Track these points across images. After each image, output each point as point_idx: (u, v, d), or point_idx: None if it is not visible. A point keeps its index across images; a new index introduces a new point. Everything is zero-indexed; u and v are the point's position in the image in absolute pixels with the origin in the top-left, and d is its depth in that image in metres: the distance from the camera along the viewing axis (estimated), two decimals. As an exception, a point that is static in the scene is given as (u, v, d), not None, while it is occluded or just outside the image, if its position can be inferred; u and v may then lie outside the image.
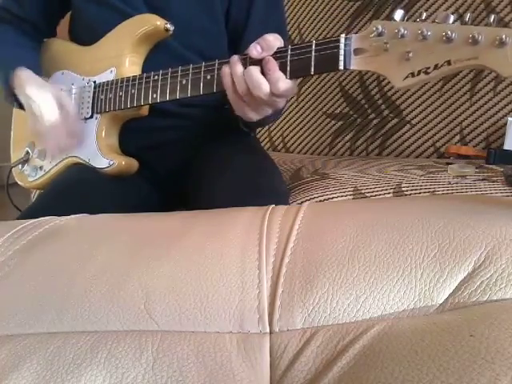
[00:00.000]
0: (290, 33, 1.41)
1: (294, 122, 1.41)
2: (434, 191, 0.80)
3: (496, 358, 0.26)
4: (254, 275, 0.37)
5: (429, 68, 0.51)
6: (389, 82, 0.53)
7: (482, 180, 0.82)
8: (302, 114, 1.40)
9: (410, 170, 0.93)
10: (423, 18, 0.52)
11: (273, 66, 0.60)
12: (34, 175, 0.92)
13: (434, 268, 0.34)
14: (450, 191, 0.79)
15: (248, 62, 0.62)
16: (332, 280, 0.35)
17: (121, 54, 0.82)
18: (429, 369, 0.27)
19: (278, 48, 0.62)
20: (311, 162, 1.14)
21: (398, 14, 0.53)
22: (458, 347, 0.27)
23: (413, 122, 1.21)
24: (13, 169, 0.97)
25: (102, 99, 0.83)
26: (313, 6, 1.37)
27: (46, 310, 0.38)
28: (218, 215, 0.51)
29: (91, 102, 0.84)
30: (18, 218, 0.72)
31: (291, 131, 1.43)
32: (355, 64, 0.57)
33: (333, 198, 0.83)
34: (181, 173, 0.88)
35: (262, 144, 1.45)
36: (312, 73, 0.60)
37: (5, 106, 0.90)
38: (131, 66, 0.82)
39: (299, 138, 1.41)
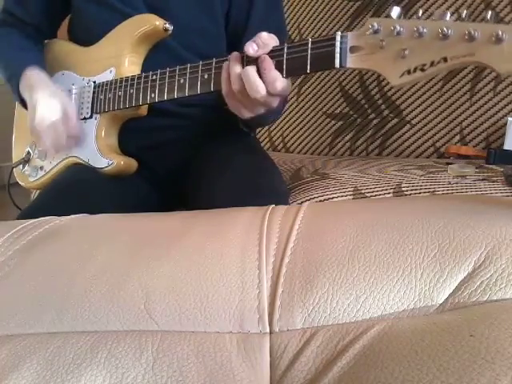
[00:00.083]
0: (290, 33, 1.41)
1: (294, 122, 1.41)
2: (434, 191, 0.80)
3: (496, 358, 0.26)
4: (254, 275, 0.37)
5: (425, 65, 0.51)
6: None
7: (482, 180, 0.82)
8: (302, 114, 1.40)
9: (409, 170, 0.93)
10: (419, 15, 0.52)
11: (268, 64, 0.60)
12: (34, 175, 0.92)
13: (434, 268, 0.34)
14: (450, 191, 0.79)
15: (245, 60, 0.62)
16: (332, 280, 0.35)
17: (120, 54, 0.82)
18: (429, 369, 0.27)
19: (274, 47, 0.62)
20: (311, 162, 1.14)
21: (395, 11, 0.53)
22: (458, 347, 0.27)
23: (413, 121, 1.21)
24: (14, 169, 0.97)
25: (101, 99, 0.83)
26: (313, 6, 1.37)
27: (46, 310, 0.38)
28: (218, 215, 0.51)
29: (91, 102, 0.84)
30: (17, 218, 0.72)
31: (291, 131, 1.43)
32: (351, 62, 0.56)
33: (333, 197, 0.83)
34: (180, 173, 0.88)
35: (262, 144, 1.45)
36: (308, 71, 0.60)
37: (6, 107, 0.90)
38: (130, 66, 0.83)
39: (299, 138, 1.41)
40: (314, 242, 0.39)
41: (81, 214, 0.56)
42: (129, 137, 0.85)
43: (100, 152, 0.83)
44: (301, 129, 1.41)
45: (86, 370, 0.32)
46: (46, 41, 0.95)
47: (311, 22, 1.38)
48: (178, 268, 0.39)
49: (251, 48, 0.61)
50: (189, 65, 0.71)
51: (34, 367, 0.32)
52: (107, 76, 0.83)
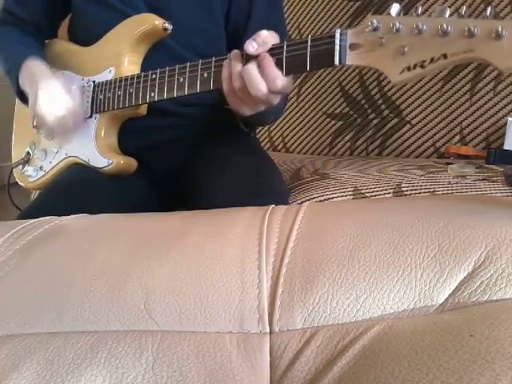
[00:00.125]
0: (290, 33, 1.41)
1: (294, 122, 1.41)
2: (434, 191, 0.80)
3: (496, 358, 0.26)
4: (254, 275, 0.37)
5: (425, 62, 0.51)
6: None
7: (482, 180, 0.82)
8: (302, 114, 1.40)
9: (409, 170, 0.93)
10: (419, 12, 0.52)
11: (269, 62, 0.60)
12: (34, 175, 0.92)
13: (434, 268, 0.34)
14: (450, 191, 0.79)
15: (244, 58, 0.62)
16: (332, 280, 0.35)
17: (120, 53, 0.82)
18: (429, 369, 0.27)
19: (274, 44, 0.62)
20: (311, 162, 1.14)
21: (394, 8, 0.53)
22: (458, 347, 0.27)
23: (413, 121, 1.21)
24: (14, 169, 0.97)
25: (100, 99, 0.83)
26: (313, 6, 1.37)
27: (46, 310, 0.38)
28: (218, 215, 0.51)
29: (90, 101, 0.84)
30: (17, 218, 0.72)
31: (291, 131, 1.43)
32: (351, 59, 0.56)
33: (333, 197, 0.83)
34: (180, 172, 0.88)
35: (262, 144, 1.45)
36: (308, 69, 0.60)
37: (6, 107, 0.90)
38: (130, 66, 0.83)
39: (299, 138, 1.41)
40: (313, 242, 0.39)
41: (81, 214, 0.56)
42: (128, 136, 0.85)
43: (100, 152, 0.83)
44: (301, 129, 1.41)
45: (86, 370, 0.32)
46: (46, 41, 0.95)
47: (311, 21, 1.38)
48: (178, 268, 0.39)
49: (251, 46, 0.61)
50: (188, 63, 0.71)
51: (33, 367, 0.32)
52: (107, 76, 0.83)
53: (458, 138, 1.15)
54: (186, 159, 0.88)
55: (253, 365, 0.32)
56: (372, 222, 0.40)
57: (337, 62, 0.57)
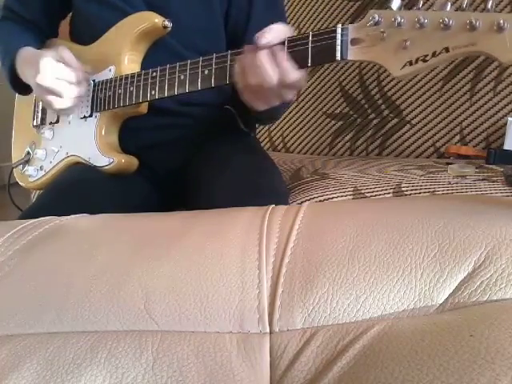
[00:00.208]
0: (290, 33, 1.41)
1: (294, 122, 1.41)
2: (434, 191, 0.80)
3: (496, 358, 0.26)
4: (254, 275, 0.37)
5: (427, 56, 0.50)
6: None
7: (482, 180, 0.82)
8: (302, 114, 1.40)
9: (409, 170, 0.93)
10: (420, 6, 0.52)
11: (281, 55, 0.60)
12: (34, 175, 0.92)
13: (434, 268, 0.34)
14: (450, 191, 0.79)
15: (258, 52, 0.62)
16: (332, 280, 0.35)
17: (120, 52, 0.82)
18: (429, 369, 0.27)
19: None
20: (311, 162, 1.14)
21: (395, 2, 0.52)
22: (458, 347, 0.27)
23: (413, 122, 1.21)
24: (14, 169, 0.97)
25: (101, 98, 0.83)
26: (313, 6, 1.37)
27: (46, 310, 0.38)
28: (218, 215, 0.50)
29: (90, 100, 0.84)
30: (18, 218, 0.72)
31: (291, 131, 1.43)
32: (352, 54, 0.56)
33: (333, 197, 0.83)
34: (180, 172, 0.88)
35: (262, 144, 1.45)
36: (309, 64, 0.60)
37: (6, 107, 0.90)
38: (130, 64, 0.83)
39: (299, 138, 1.41)
40: (313, 242, 0.39)
41: (81, 214, 0.56)
42: (129, 136, 0.85)
43: (100, 150, 0.83)
44: (301, 129, 1.41)
45: (86, 369, 0.32)
46: (46, 41, 0.95)
47: (311, 21, 1.38)
48: (178, 268, 0.39)
49: (263, 38, 0.60)
50: (189, 61, 0.71)
51: (33, 367, 0.32)
52: (107, 74, 0.83)
53: (458, 138, 1.15)
54: (186, 159, 0.88)
55: (253, 365, 0.32)
56: (372, 222, 0.40)
57: (338, 57, 0.57)
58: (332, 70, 1.33)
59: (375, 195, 0.81)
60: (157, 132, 0.87)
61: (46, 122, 0.92)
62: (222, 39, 0.88)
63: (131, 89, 0.78)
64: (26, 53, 0.83)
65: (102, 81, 0.83)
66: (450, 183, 0.81)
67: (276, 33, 0.61)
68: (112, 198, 0.79)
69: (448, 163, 0.95)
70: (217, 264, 0.38)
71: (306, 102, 1.39)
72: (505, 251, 0.34)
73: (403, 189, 0.82)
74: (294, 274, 0.37)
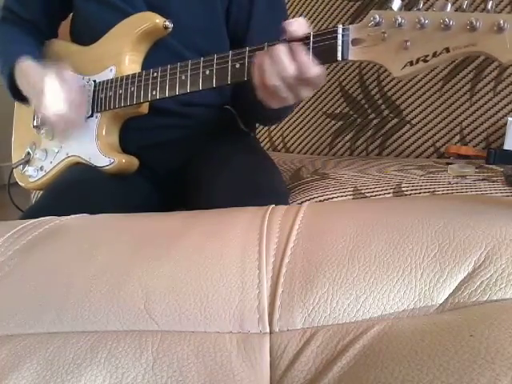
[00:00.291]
0: (290, 33, 1.41)
1: (294, 122, 1.41)
2: (434, 191, 0.80)
3: (496, 358, 0.26)
4: (254, 275, 0.37)
5: (427, 56, 0.51)
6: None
7: (482, 180, 0.82)
8: (302, 114, 1.40)
9: (409, 170, 0.93)
10: (420, 6, 0.52)
11: (299, 49, 0.58)
12: (34, 176, 0.92)
13: (434, 268, 0.34)
14: (450, 191, 0.79)
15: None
16: (332, 280, 0.35)
17: (120, 52, 0.82)
18: (429, 369, 0.27)
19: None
20: (311, 162, 1.14)
21: (396, 3, 0.53)
22: (458, 347, 0.27)
23: (413, 121, 1.21)
24: (14, 169, 0.97)
25: (101, 98, 0.83)
26: (313, 6, 1.37)
27: (46, 310, 0.38)
28: (218, 215, 0.51)
29: (91, 101, 0.84)
30: (19, 219, 0.72)
31: (291, 131, 1.43)
32: (353, 54, 0.56)
33: (333, 197, 0.83)
34: (181, 172, 0.88)
35: (262, 144, 1.45)
36: None
37: (6, 107, 0.90)
38: (131, 65, 0.83)
39: (299, 138, 1.41)
40: (314, 242, 0.39)
41: (81, 214, 0.56)
42: (130, 136, 0.85)
43: (101, 151, 0.83)
44: (301, 129, 1.41)
45: (86, 369, 0.32)
46: (46, 41, 0.95)
47: (311, 21, 1.38)
48: (178, 268, 0.39)
49: (291, 25, 0.59)
50: (190, 61, 0.70)
51: (34, 367, 0.32)
52: (108, 75, 0.83)
53: (458, 138, 1.15)
54: (186, 159, 0.88)
55: (253, 365, 0.32)
56: (372, 222, 0.40)
57: (339, 57, 0.57)
58: (332, 70, 1.33)
59: (375, 195, 0.81)
60: (157, 132, 0.87)
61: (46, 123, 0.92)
62: (224, 39, 0.87)
63: (132, 89, 0.78)
64: (26, 66, 0.82)
65: (103, 81, 0.83)
66: (449, 183, 0.81)
67: (301, 25, 0.59)
68: (112, 198, 0.79)
69: (448, 163, 0.95)
70: (217, 264, 0.38)
71: (306, 102, 1.39)
72: (505, 251, 0.34)
73: (403, 189, 0.82)
74: (294, 274, 0.37)
